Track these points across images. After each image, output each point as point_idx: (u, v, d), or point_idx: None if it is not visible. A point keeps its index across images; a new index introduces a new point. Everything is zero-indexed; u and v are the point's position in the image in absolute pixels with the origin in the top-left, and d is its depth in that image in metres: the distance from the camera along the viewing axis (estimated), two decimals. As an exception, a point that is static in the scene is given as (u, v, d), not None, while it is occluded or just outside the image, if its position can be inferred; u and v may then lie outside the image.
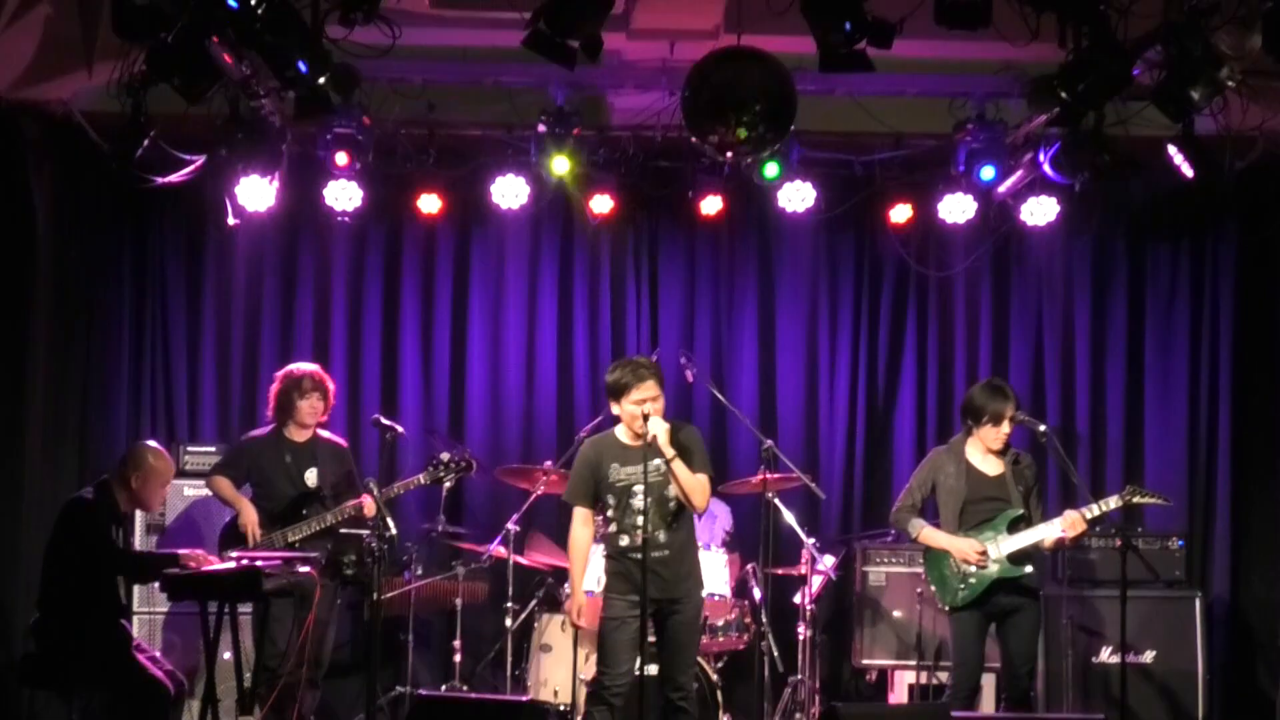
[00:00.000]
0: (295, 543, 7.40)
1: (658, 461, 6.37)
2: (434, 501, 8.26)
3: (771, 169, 8.01)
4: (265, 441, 7.66)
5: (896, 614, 8.38)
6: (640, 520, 6.34)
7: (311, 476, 7.57)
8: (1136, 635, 8.07)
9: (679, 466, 6.36)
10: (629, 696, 6.51)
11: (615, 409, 6.51)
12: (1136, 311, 9.23)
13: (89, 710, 6.96)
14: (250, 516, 7.41)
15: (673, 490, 6.44)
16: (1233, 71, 6.04)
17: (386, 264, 9.11)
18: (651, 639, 6.52)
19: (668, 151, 8.23)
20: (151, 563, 6.92)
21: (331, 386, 7.75)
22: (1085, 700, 8.20)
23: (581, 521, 6.62)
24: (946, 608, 7.26)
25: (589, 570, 6.82)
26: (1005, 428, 7.15)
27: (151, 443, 7.27)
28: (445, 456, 7.64)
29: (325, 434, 7.76)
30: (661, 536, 6.43)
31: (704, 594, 6.72)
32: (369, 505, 7.16)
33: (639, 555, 6.33)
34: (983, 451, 7.24)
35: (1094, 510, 7.11)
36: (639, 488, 6.38)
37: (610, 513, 6.53)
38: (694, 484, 6.41)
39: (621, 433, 6.56)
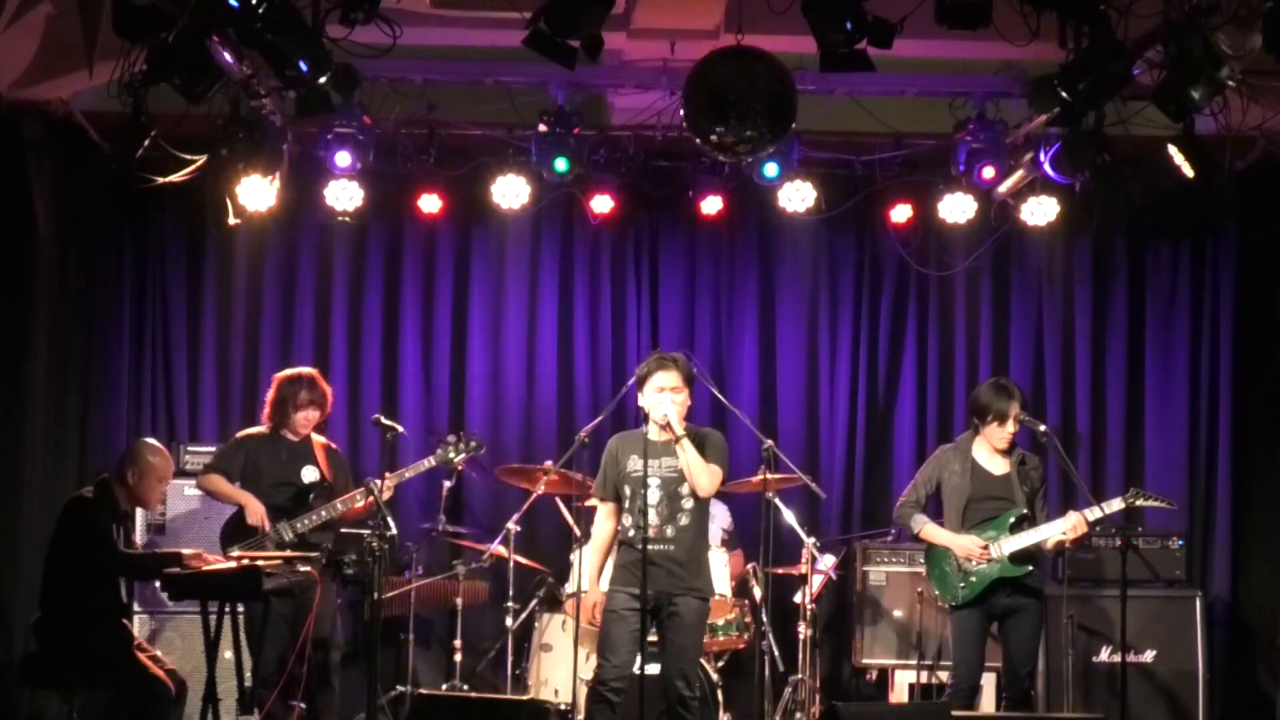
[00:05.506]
0: (303, 533, 7.38)
1: (673, 458, 6.43)
2: (434, 501, 8.28)
3: (771, 169, 8.01)
4: (262, 439, 7.64)
5: (897, 613, 8.38)
6: (650, 513, 6.39)
7: (309, 472, 7.56)
8: (1137, 635, 8.08)
9: (687, 446, 6.39)
10: (630, 696, 6.51)
11: (642, 401, 6.57)
12: (1136, 311, 9.22)
13: (89, 710, 6.95)
14: (258, 509, 7.38)
15: (686, 488, 6.48)
16: (1233, 71, 6.03)
17: (387, 264, 9.10)
18: (653, 639, 6.53)
19: (668, 151, 8.24)
20: (152, 562, 6.91)
21: (329, 392, 7.71)
22: (1086, 700, 8.20)
23: (604, 516, 6.67)
24: (947, 605, 7.27)
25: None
26: (1010, 427, 7.17)
27: (150, 440, 7.25)
28: (453, 437, 7.62)
29: (319, 438, 7.75)
30: (669, 531, 6.46)
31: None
32: (369, 501, 7.10)
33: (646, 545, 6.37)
34: (989, 451, 7.25)
35: (1097, 512, 7.13)
36: (654, 480, 6.43)
37: (625, 504, 6.57)
38: (701, 465, 6.43)
39: (651, 430, 6.59)
